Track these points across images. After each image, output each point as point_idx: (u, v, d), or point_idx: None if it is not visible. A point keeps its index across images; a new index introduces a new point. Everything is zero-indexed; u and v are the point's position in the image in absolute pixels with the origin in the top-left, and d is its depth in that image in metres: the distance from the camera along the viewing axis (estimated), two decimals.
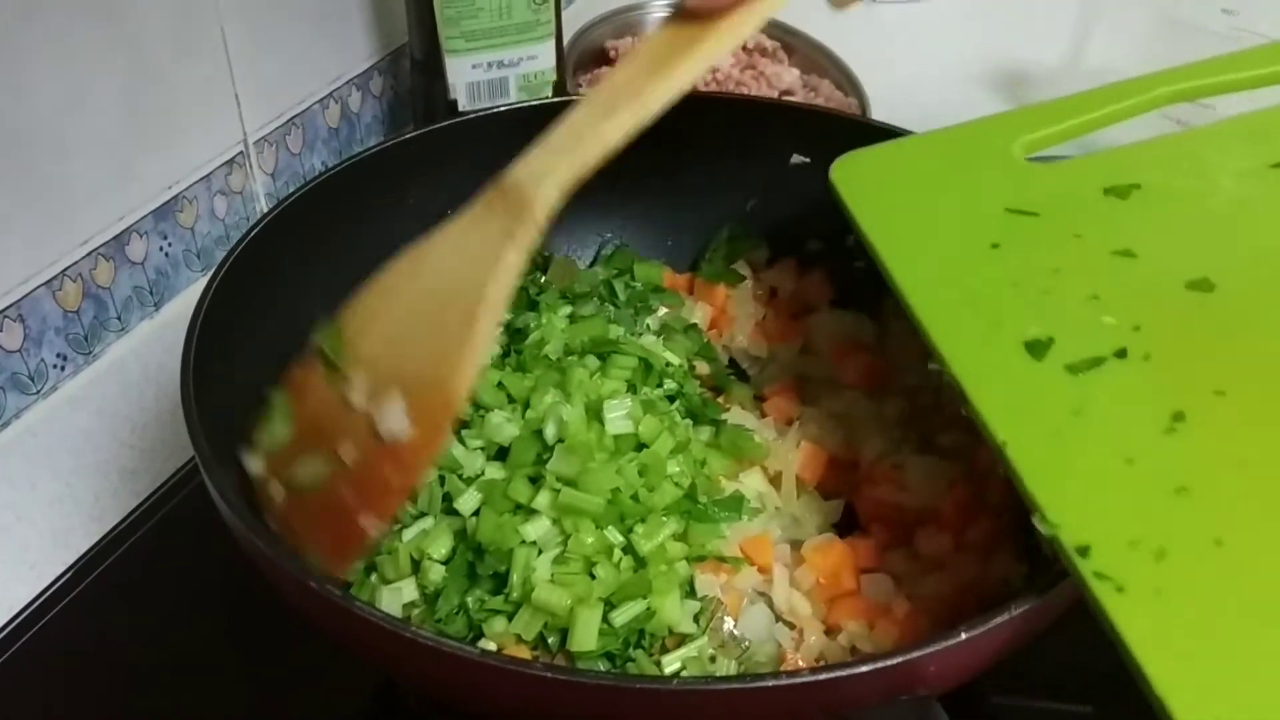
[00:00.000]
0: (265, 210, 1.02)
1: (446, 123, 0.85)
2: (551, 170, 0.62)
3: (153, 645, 0.74)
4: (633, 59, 0.64)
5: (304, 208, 0.76)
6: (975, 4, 1.51)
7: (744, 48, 1.25)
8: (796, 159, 0.86)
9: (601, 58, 1.26)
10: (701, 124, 0.88)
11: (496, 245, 0.62)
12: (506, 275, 0.62)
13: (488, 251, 0.62)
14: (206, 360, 0.64)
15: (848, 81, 1.21)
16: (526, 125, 0.79)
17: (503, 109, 0.88)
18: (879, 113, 1.15)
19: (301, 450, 0.66)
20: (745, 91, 1.17)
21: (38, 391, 0.88)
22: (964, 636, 0.49)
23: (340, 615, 0.52)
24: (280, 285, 0.75)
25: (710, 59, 0.64)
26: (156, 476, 0.84)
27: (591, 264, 0.92)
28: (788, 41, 1.27)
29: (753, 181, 0.87)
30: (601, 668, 0.61)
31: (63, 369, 0.89)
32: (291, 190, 0.78)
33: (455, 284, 0.63)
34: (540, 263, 0.89)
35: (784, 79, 1.21)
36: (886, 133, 0.83)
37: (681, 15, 0.64)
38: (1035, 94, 1.30)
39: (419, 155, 0.83)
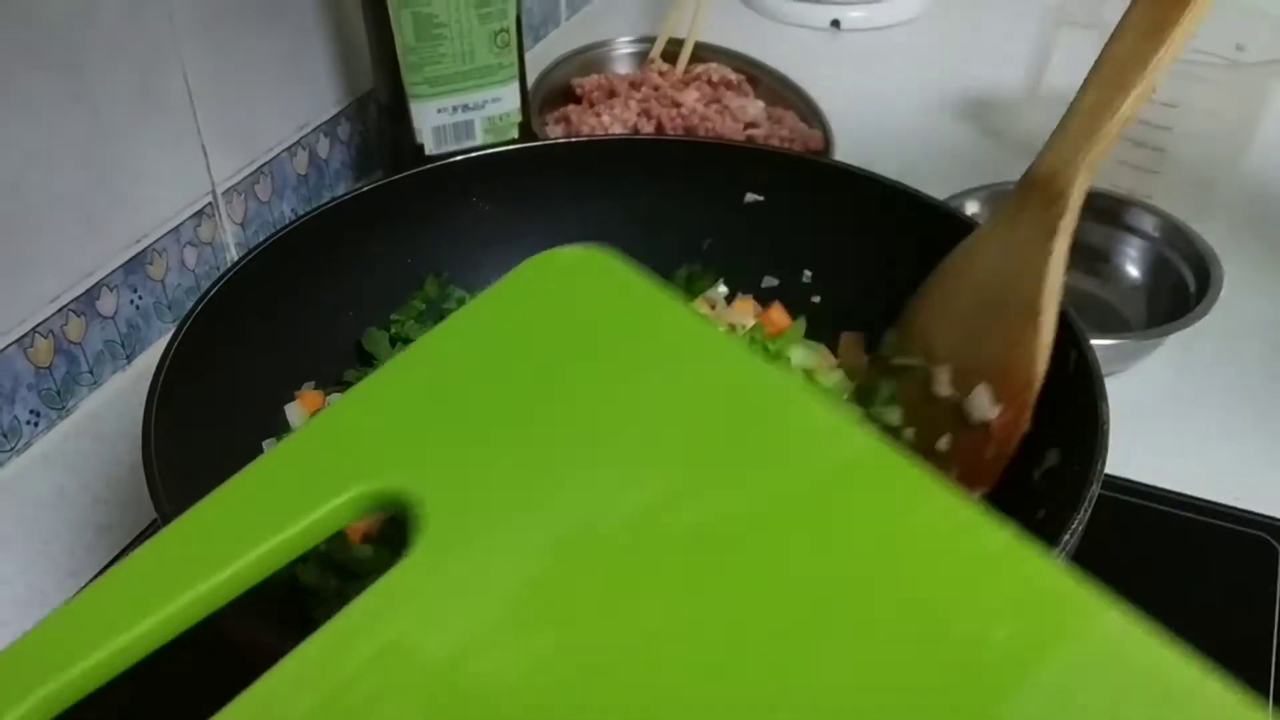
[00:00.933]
0: (236, 259, 1.04)
1: (404, 174, 0.86)
2: (1078, 155, 0.67)
3: (126, 699, 0.74)
4: (1117, 36, 0.66)
5: (269, 259, 0.77)
6: (937, 31, 1.53)
7: (709, 80, 1.26)
8: (750, 198, 0.88)
9: (568, 96, 1.27)
10: (654, 167, 0.90)
11: (1042, 237, 0.67)
12: (1058, 263, 0.68)
13: (1034, 245, 0.68)
14: (169, 422, 0.65)
15: (811, 113, 1.22)
16: (484, 171, 0.81)
17: (459, 156, 0.89)
18: (844, 142, 1.16)
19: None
20: (710, 125, 1.18)
21: (11, 449, 0.89)
22: None
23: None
24: (245, 337, 0.76)
25: (1199, 17, 0.64)
26: (130, 530, 0.85)
27: None
28: (752, 73, 1.29)
29: (708, 221, 0.89)
30: None
31: (36, 425, 0.90)
32: (254, 244, 0.79)
33: (1010, 279, 0.69)
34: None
35: (749, 111, 1.22)
36: (836, 170, 0.85)
37: None
38: (1001, 120, 1.32)
39: (379, 205, 0.84)
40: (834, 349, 0.89)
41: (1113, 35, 0.67)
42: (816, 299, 0.89)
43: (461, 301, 0.89)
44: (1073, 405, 0.69)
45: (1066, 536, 0.58)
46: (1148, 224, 1.05)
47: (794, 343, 0.88)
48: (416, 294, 0.88)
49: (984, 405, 0.70)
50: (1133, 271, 1.06)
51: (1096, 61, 0.68)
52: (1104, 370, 0.69)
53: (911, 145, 1.26)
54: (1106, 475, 0.63)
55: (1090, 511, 0.60)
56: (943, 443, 0.73)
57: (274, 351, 0.79)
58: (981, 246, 0.73)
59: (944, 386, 0.73)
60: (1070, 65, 1.26)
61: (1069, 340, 0.71)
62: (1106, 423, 0.64)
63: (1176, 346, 0.98)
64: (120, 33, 0.88)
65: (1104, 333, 0.97)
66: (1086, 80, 0.68)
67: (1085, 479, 0.61)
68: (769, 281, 0.91)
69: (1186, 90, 1.08)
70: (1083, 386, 0.68)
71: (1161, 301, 1.02)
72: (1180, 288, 1.00)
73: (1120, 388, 0.94)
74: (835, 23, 1.52)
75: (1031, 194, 0.69)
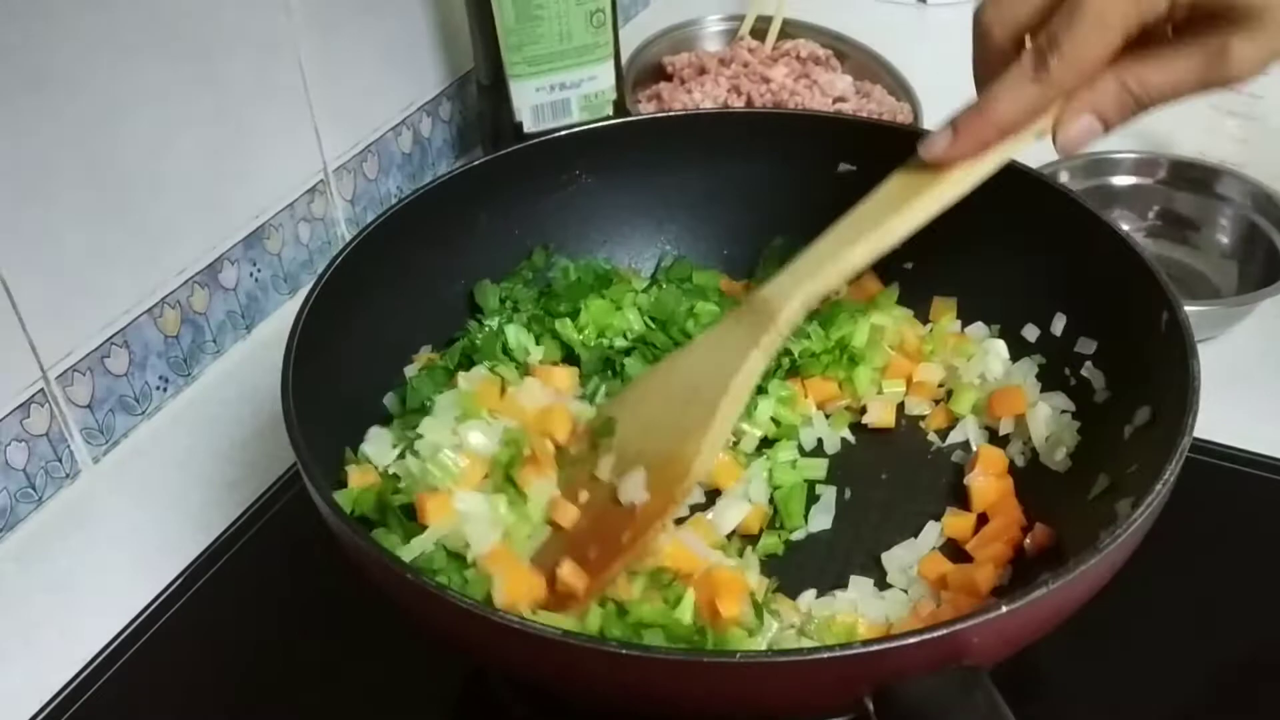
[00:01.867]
0: (346, 234, 1.09)
1: (509, 149, 0.90)
2: (797, 289, 0.72)
3: (258, 641, 0.80)
4: (875, 195, 0.73)
5: (383, 233, 0.81)
6: None
7: (797, 56, 1.29)
8: (844, 167, 0.90)
9: (659, 74, 1.30)
10: (748, 139, 0.93)
11: (743, 348, 0.72)
12: (749, 374, 0.72)
13: (734, 353, 0.72)
14: (302, 374, 0.69)
15: (900, 87, 1.24)
16: (586, 145, 0.85)
17: (563, 132, 0.93)
18: (933, 116, 1.18)
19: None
20: (799, 100, 1.21)
21: (143, 412, 0.94)
22: (1004, 609, 0.53)
23: (430, 601, 0.56)
24: (365, 305, 0.80)
25: (945, 199, 0.71)
26: (257, 487, 0.90)
27: (652, 275, 0.97)
28: (839, 49, 1.31)
29: (802, 191, 0.91)
30: None
31: (165, 390, 0.96)
32: (371, 217, 0.84)
33: (703, 379, 0.73)
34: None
35: (836, 86, 1.24)
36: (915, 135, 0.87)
37: (916, 161, 0.71)
38: None
39: (486, 179, 0.88)
40: (926, 314, 0.92)
41: (868, 196, 0.73)
42: (909, 265, 0.91)
43: (566, 271, 0.93)
44: (1164, 364, 0.71)
45: (1159, 485, 0.60)
46: (1238, 192, 1.06)
47: (886, 309, 0.90)
48: (524, 263, 0.92)
49: (636, 489, 0.71)
50: (1223, 240, 1.06)
51: (846, 215, 0.73)
52: (1195, 337, 0.70)
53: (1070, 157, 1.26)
54: (1198, 439, 0.64)
55: (1181, 464, 0.62)
56: (580, 521, 0.73)
57: (392, 316, 0.83)
58: (688, 353, 0.78)
59: (604, 471, 0.74)
60: None
61: (1160, 302, 0.73)
62: (1197, 377, 0.66)
63: (1268, 313, 0.99)
64: (242, 22, 0.94)
65: (1194, 299, 0.98)
66: (829, 229, 0.74)
67: (1178, 430, 0.63)
68: None
69: None
70: (1174, 345, 0.70)
71: (1253, 269, 1.02)
72: (1271, 255, 1.00)
73: (1211, 354, 0.94)
74: None
75: (746, 311, 0.75)
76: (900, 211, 0.71)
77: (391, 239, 0.82)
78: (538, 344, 0.88)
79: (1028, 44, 0.66)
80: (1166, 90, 0.64)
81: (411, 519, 0.72)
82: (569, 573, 0.68)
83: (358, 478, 0.74)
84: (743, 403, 0.73)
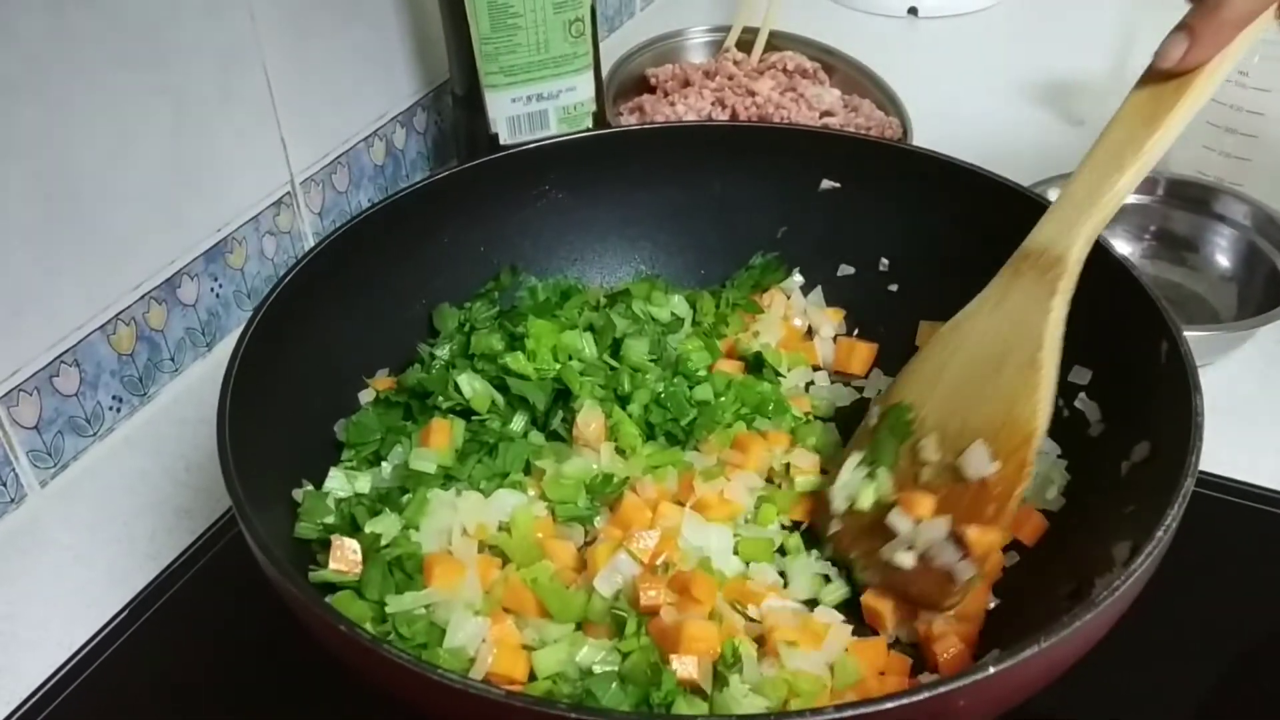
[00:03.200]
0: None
1: (473, 162, 0.86)
2: (1077, 228, 0.71)
3: (208, 680, 0.76)
4: (1119, 119, 0.72)
5: (337, 250, 0.78)
6: (1017, 17, 1.50)
7: (784, 69, 1.25)
8: (826, 184, 0.87)
9: (642, 86, 1.27)
10: (728, 153, 0.89)
11: (1041, 300, 0.70)
12: (1056, 323, 0.70)
13: (1032, 308, 0.71)
14: (245, 408, 0.66)
15: (889, 101, 1.21)
16: (556, 158, 0.81)
17: (531, 144, 0.89)
18: (922, 131, 1.14)
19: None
20: (785, 114, 1.17)
21: (94, 434, 0.90)
22: (991, 671, 0.49)
23: (368, 657, 0.52)
24: (317, 325, 0.77)
25: (1194, 107, 0.70)
26: (210, 514, 0.86)
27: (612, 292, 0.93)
28: (827, 61, 1.27)
29: (783, 208, 0.88)
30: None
31: (119, 411, 0.92)
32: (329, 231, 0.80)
33: (1006, 342, 0.72)
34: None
35: (824, 100, 1.21)
36: (915, 155, 0.83)
37: (1154, 74, 0.70)
38: (1083, 107, 1.29)
39: (450, 194, 0.84)
40: (912, 338, 0.88)
41: (1111, 121, 0.72)
42: (894, 287, 0.88)
43: (533, 290, 0.90)
44: (1164, 397, 0.67)
45: (1160, 532, 0.56)
46: (1238, 212, 1.02)
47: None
48: (491, 283, 0.88)
49: (981, 462, 0.70)
50: (1223, 261, 1.02)
51: (1094, 145, 0.72)
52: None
53: (991, 133, 1.24)
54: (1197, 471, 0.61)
55: (1184, 507, 0.58)
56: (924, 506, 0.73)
57: (347, 338, 0.79)
58: (971, 320, 0.75)
59: (931, 452, 0.73)
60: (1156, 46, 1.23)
61: (1159, 330, 0.69)
62: (1201, 412, 0.63)
63: (1268, 339, 0.95)
64: (203, 29, 0.90)
65: (1192, 324, 0.94)
66: (1083, 161, 0.72)
67: (1179, 473, 0.59)
68: (845, 270, 0.90)
69: None
70: (1175, 378, 0.66)
71: (1253, 292, 0.99)
72: (1272, 278, 0.97)
73: (1209, 381, 0.90)
74: (913, 10, 1.50)
75: (1026, 264, 0.73)
76: (1153, 128, 0.69)
77: (352, 253, 0.78)
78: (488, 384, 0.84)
79: None
80: None
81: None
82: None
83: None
84: (1058, 353, 0.71)
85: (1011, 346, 0.71)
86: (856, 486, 0.76)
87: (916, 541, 0.71)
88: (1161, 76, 0.70)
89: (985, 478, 0.70)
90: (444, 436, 0.78)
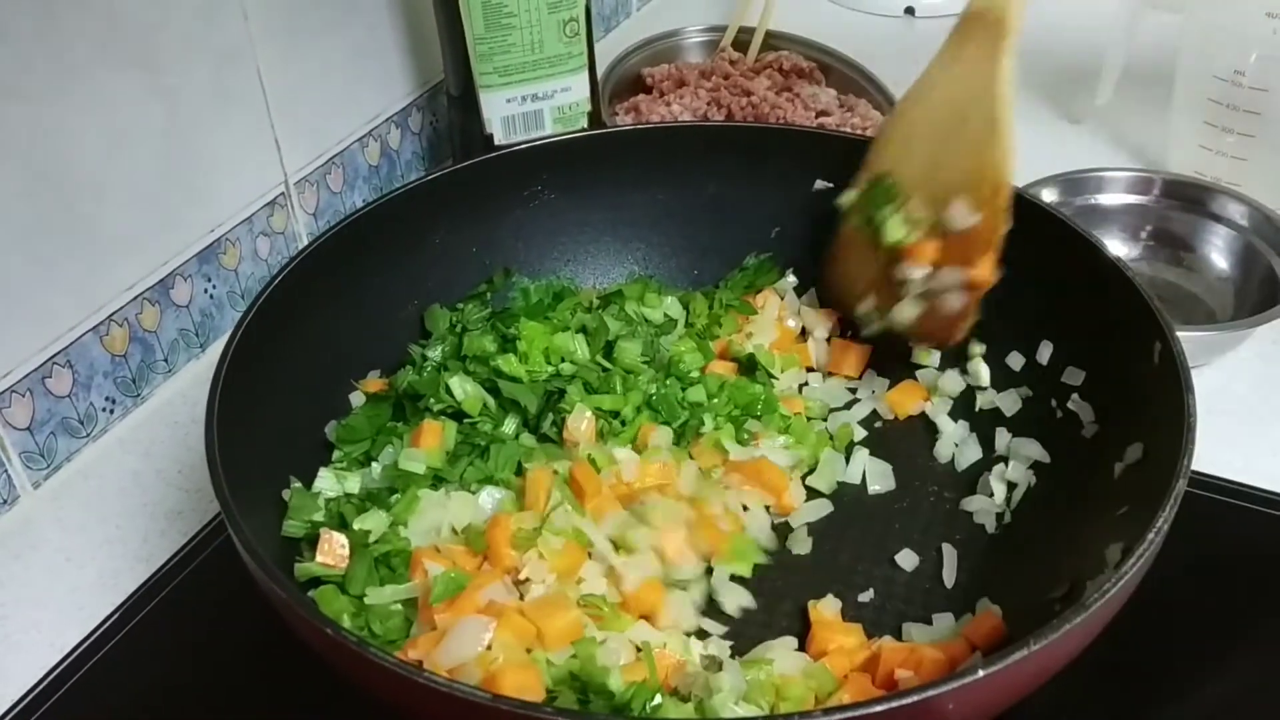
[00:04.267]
0: None
1: (464, 163, 0.86)
2: None
3: (199, 682, 0.75)
4: None
5: (328, 253, 0.77)
6: None
7: (780, 68, 1.25)
8: (820, 184, 0.86)
9: (638, 86, 1.26)
10: (721, 153, 0.89)
11: (989, 58, 0.74)
12: (1006, 81, 0.74)
13: (981, 67, 0.75)
14: (234, 410, 0.65)
15: (885, 101, 1.20)
16: (548, 159, 0.81)
17: (523, 145, 0.89)
18: None
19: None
20: (780, 114, 1.17)
21: (87, 435, 0.90)
22: (981, 674, 0.49)
23: (354, 660, 0.52)
24: (309, 326, 0.76)
25: None
26: (202, 516, 0.86)
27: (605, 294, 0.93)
28: (824, 61, 1.27)
29: (776, 209, 0.87)
30: None
31: (111, 412, 0.92)
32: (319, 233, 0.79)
33: (963, 101, 0.76)
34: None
35: (820, 100, 1.20)
36: None
37: None
38: (1078, 105, 1.28)
39: (441, 195, 0.84)
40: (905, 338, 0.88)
41: None
42: None
43: (525, 292, 0.89)
44: (1157, 398, 0.67)
45: (1151, 535, 0.56)
46: (1235, 212, 1.02)
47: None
48: (484, 285, 0.88)
49: (963, 214, 0.75)
50: (1219, 261, 1.02)
51: None
52: (1188, 363, 0.66)
53: None
54: (1190, 472, 0.60)
55: (1176, 509, 0.58)
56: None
57: (339, 338, 0.79)
58: (929, 84, 0.80)
59: (919, 209, 0.78)
60: (1153, 50, 1.23)
61: (1152, 331, 0.69)
62: (1194, 416, 0.62)
63: (1265, 339, 0.95)
64: (196, 29, 0.89)
65: (1189, 325, 0.94)
66: None
67: (1171, 474, 0.59)
68: None
69: (1278, 74, 1.04)
70: (1168, 378, 0.66)
71: (1250, 292, 0.98)
72: (1269, 278, 0.97)
73: (1205, 382, 0.91)
74: (910, 9, 1.50)
75: (971, 27, 0.76)
76: None
77: (343, 254, 0.78)
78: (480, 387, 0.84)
79: None
80: None
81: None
82: None
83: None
84: (1012, 106, 0.74)
85: (970, 108, 0.75)
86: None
87: (929, 285, 0.79)
88: None
89: (970, 227, 0.75)
90: (435, 438, 0.78)
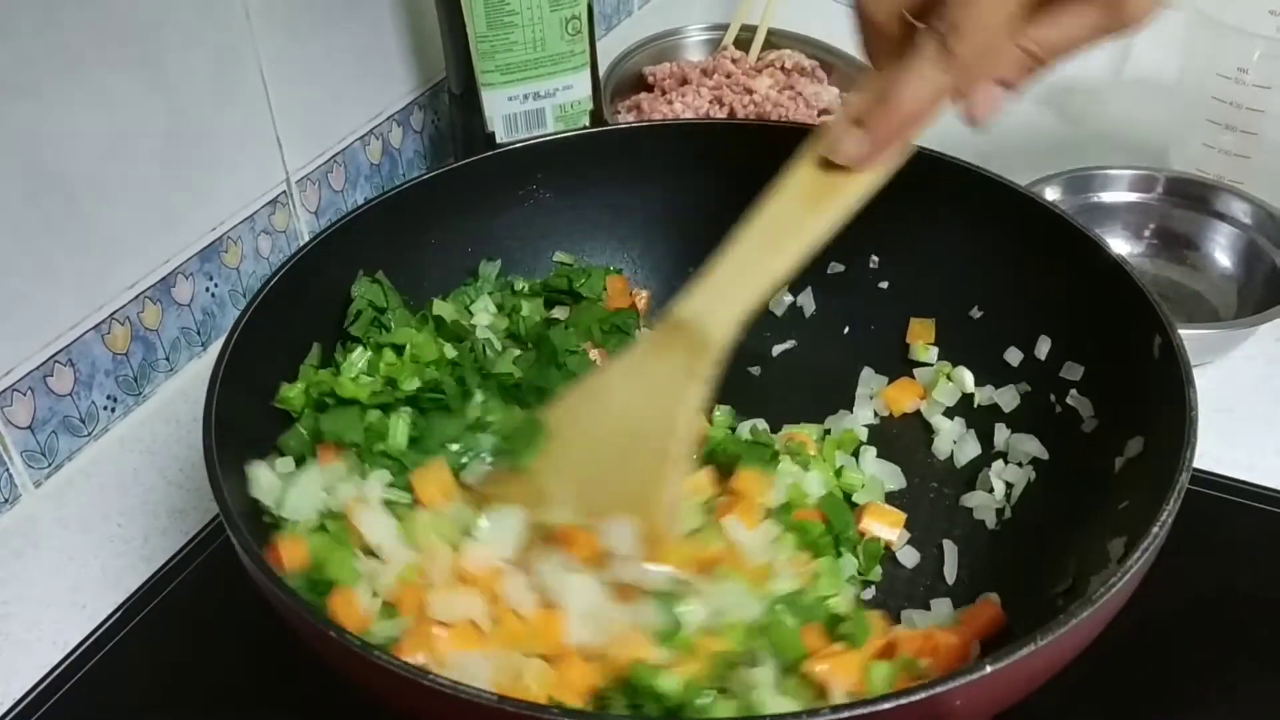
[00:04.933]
0: None
1: (459, 163, 0.86)
2: (724, 306, 0.65)
3: (201, 681, 0.75)
4: (782, 193, 0.67)
5: (326, 252, 0.77)
6: None
7: (782, 67, 1.25)
8: None
9: (640, 84, 1.26)
10: (719, 151, 0.88)
11: (678, 383, 0.66)
12: (690, 410, 0.66)
13: (669, 389, 0.66)
14: (232, 408, 0.65)
15: None
16: (544, 158, 0.80)
17: (518, 144, 0.88)
18: None
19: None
20: (783, 112, 1.17)
21: (89, 434, 0.90)
22: (989, 669, 0.49)
23: (359, 663, 0.52)
24: (308, 325, 0.76)
25: (862, 194, 0.66)
26: (204, 514, 0.86)
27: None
28: (826, 60, 1.27)
29: None
30: None
31: (113, 410, 0.91)
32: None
33: (641, 422, 0.67)
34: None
35: (822, 98, 1.20)
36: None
37: (824, 159, 0.66)
38: (1081, 106, 1.28)
39: (441, 192, 0.84)
40: (903, 335, 0.88)
41: (775, 193, 0.67)
42: (884, 285, 0.87)
43: (522, 291, 0.89)
44: (1157, 392, 0.66)
45: (1156, 528, 0.56)
46: (1238, 210, 1.02)
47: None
48: (470, 281, 0.88)
49: (623, 541, 0.65)
50: (1222, 260, 1.02)
51: (754, 217, 0.67)
52: (1191, 361, 0.66)
53: (989, 132, 1.23)
54: (1194, 470, 0.60)
55: (1180, 503, 0.58)
56: None
57: (336, 339, 0.78)
58: (612, 384, 0.70)
59: (563, 516, 0.68)
60: (1156, 49, 1.23)
61: (1152, 325, 0.68)
62: (1195, 406, 0.62)
63: (1268, 336, 0.95)
64: (196, 27, 0.89)
65: (1192, 322, 0.94)
66: (740, 234, 0.67)
67: (1174, 467, 0.59)
68: (835, 268, 0.89)
69: None
70: (1168, 372, 0.65)
71: (1253, 290, 0.98)
72: (1272, 276, 0.96)
73: (1209, 380, 0.91)
74: None
75: (672, 336, 0.67)
76: (819, 211, 0.66)
77: (333, 257, 0.78)
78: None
79: (916, 24, 0.61)
80: (1066, 45, 0.60)
81: None
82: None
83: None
84: (691, 440, 0.68)
85: (644, 429, 0.67)
86: None
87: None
88: (831, 164, 0.66)
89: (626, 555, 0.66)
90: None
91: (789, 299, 0.92)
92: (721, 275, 0.67)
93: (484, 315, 0.86)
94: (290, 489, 0.68)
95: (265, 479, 0.68)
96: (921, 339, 0.88)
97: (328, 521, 0.69)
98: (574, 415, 0.71)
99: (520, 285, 0.90)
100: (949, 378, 0.85)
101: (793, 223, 0.66)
